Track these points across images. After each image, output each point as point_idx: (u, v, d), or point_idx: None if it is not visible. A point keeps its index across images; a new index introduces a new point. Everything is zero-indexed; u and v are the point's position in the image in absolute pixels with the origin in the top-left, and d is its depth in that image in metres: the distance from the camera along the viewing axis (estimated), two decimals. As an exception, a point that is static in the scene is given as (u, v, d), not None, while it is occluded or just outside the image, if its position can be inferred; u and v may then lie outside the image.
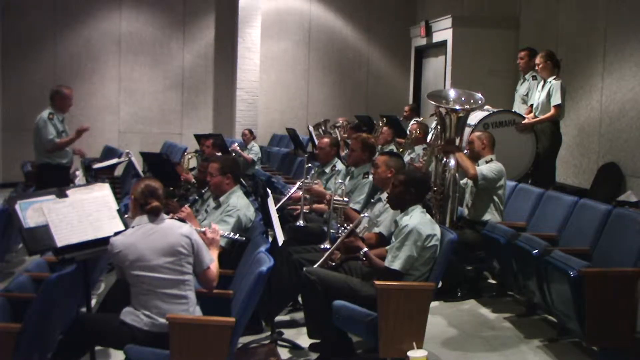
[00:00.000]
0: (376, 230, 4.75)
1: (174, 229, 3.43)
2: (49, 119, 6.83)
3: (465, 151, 5.62)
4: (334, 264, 4.34)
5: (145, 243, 3.33)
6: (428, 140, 6.97)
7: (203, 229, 3.84)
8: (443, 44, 10.22)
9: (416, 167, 6.20)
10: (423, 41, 11.00)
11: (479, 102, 5.63)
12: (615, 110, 7.59)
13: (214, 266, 3.55)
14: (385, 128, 7.81)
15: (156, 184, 3.55)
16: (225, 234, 4.18)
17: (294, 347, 4.36)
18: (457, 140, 5.50)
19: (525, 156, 6.84)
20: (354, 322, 3.91)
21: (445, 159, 5.44)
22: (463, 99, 5.62)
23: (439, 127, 5.79)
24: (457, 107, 5.46)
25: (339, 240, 4.34)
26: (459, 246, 4.42)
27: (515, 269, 4.77)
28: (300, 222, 5.32)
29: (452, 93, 5.84)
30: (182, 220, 4.05)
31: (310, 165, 6.27)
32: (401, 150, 7.32)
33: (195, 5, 11.88)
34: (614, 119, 7.61)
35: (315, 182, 5.87)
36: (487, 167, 5.42)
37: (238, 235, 4.26)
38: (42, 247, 3.54)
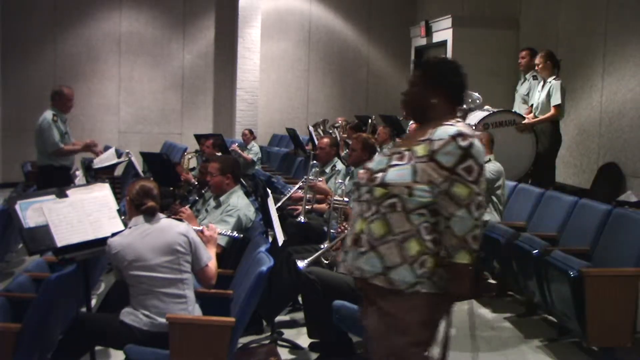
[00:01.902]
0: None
1: (171, 228, 3.44)
2: (53, 121, 6.75)
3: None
4: (327, 261, 4.33)
5: (143, 243, 3.34)
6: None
7: (200, 228, 3.84)
8: (443, 44, 10.23)
9: None
10: (423, 41, 11.00)
11: (477, 101, 5.64)
12: (615, 110, 7.60)
13: (212, 264, 3.55)
14: (380, 128, 7.82)
15: (151, 184, 3.55)
16: (223, 232, 4.19)
17: (294, 347, 4.36)
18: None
19: (525, 156, 6.85)
20: (354, 322, 3.89)
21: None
22: None
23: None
24: None
25: (335, 241, 4.36)
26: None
27: (515, 269, 4.77)
28: (302, 219, 5.33)
29: None
30: (182, 220, 4.05)
31: (315, 162, 6.28)
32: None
33: (195, 5, 11.88)
34: (614, 119, 7.61)
35: (319, 179, 5.88)
36: (486, 168, 5.41)
37: (236, 232, 4.27)
38: (42, 247, 3.54)
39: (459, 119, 2.55)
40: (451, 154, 2.39)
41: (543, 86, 6.84)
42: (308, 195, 5.67)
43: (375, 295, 2.49)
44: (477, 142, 2.43)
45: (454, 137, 2.40)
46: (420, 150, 2.44)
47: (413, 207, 2.41)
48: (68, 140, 6.98)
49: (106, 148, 9.86)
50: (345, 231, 4.38)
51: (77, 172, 7.52)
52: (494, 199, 5.42)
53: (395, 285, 2.41)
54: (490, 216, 5.39)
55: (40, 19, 11.14)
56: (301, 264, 4.09)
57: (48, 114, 6.80)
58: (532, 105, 7.00)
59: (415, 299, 2.42)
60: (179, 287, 3.36)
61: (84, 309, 3.77)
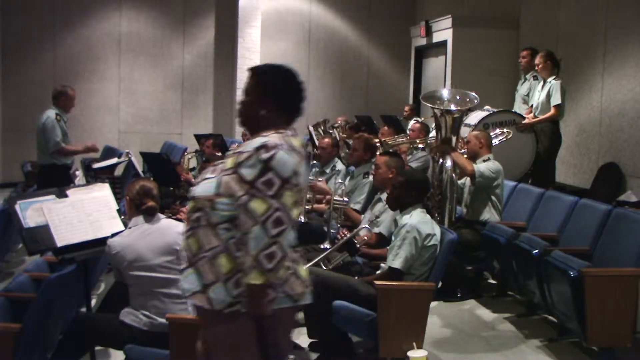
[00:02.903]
0: (376, 230, 4.76)
1: (170, 228, 3.44)
2: (56, 120, 6.78)
3: (463, 150, 5.62)
4: (331, 267, 4.34)
5: (143, 243, 3.34)
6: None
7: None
8: (443, 44, 10.22)
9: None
10: (423, 41, 11.00)
11: (475, 101, 5.64)
12: (615, 110, 7.59)
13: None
14: (385, 128, 7.83)
15: (151, 184, 3.56)
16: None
17: (294, 347, 4.35)
18: (454, 140, 5.50)
19: (525, 156, 6.85)
20: (354, 322, 3.91)
21: (441, 160, 5.45)
22: (458, 97, 5.62)
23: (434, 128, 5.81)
24: (452, 107, 5.47)
25: (335, 246, 4.37)
26: (459, 246, 4.42)
27: (515, 269, 4.77)
28: (302, 219, 5.33)
29: (445, 93, 5.84)
30: (181, 220, 4.05)
31: (315, 162, 6.28)
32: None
33: (195, 5, 11.88)
34: (614, 119, 7.61)
35: (319, 179, 5.88)
36: (485, 166, 5.42)
37: None
38: (42, 247, 3.54)
39: (281, 130, 2.47)
40: (252, 166, 2.33)
41: (543, 86, 6.85)
42: (308, 195, 5.67)
43: (198, 313, 2.44)
44: (280, 155, 2.34)
45: (257, 149, 2.34)
46: (229, 162, 2.39)
47: (217, 221, 2.34)
48: (68, 140, 7.01)
49: (106, 148, 9.90)
50: (345, 237, 4.40)
51: (77, 172, 7.53)
52: (493, 198, 5.42)
53: (213, 304, 2.34)
54: (490, 215, 5.39)
55: (40, 19, 11.13)
56: (310, 269, 4.09)
57: (51, 113, 6.82)
58: (532, 105, 7.00)
59: (235, 318, 2.34)
60: (179, 288, 3.36)
61: (84, 309, 3.77)
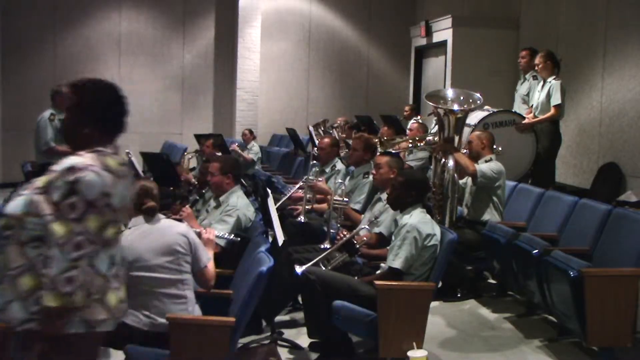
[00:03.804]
0: (376, 230, 4.76)
1: (171, 229, 3.44)
2: (49, 120, 6.82)
3: (465, 151, 5.62)
4: (330, 267, 4.34)
5: (143, 244, 3.34)
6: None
7: (199, 230, 3.86)
8: (443, 44, 10.23)
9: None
10: (423, 41, 11.01)
11: (478, 101, 5.63)
12: (615, 110, 7.60)
13: (210, 265, 3.56)
14: (385, 128, 7.84)
15: (151, 184, 3.56)
16: (220, 234, 4.19)
17: (294, 347, 4.36)
18: (457, 140, 5.50)
19: (525, 156, 6.85)
20: (354, 322, 3.91)
21: (443, 159, 5.44)
22: (462, 98, 5.62)
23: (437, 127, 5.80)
24: (455, 107, 5.46)
25: (335, 246, 4.37)
26: (459, 246, 4.42)
27: (515, 269, 4.77)
28: (302, 219, 5.33)
29: (450, 93, 5.83)
30: (181, 220, 4.06)
31: (315, 162, 6.29)
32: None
33: (195, 5, 11.88)
34: (614, 119, 7.61)
35: (319, 179, 5.89)
36: (487, 166, 5.42)
37: (233, 235, 4.28)
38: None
39: (100, 148, 2.44)
40: (58, 188, 2.31)
41: (543, 86, 6.85)
42: (308, 195, 5.67)
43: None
44: (88, 177, 2.31)
45: (65, 171, 2.32)
46: (42, 180, 2.36)
47: (25, 239, 2.32)
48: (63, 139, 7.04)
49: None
50: (344, 238, 4.40)
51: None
52: (495, 198, 5.42)
53: (9, 322, 2.34)
54: (491, 216, 5.39)
55: (40, 19, 11.14)
56: (299, 269, 4.09)
57: (46, 113, 6.90)
58: (532, 105, 7.00)
59: (27, 336, 2.33)
60: (179, 288, 3.37)
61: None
